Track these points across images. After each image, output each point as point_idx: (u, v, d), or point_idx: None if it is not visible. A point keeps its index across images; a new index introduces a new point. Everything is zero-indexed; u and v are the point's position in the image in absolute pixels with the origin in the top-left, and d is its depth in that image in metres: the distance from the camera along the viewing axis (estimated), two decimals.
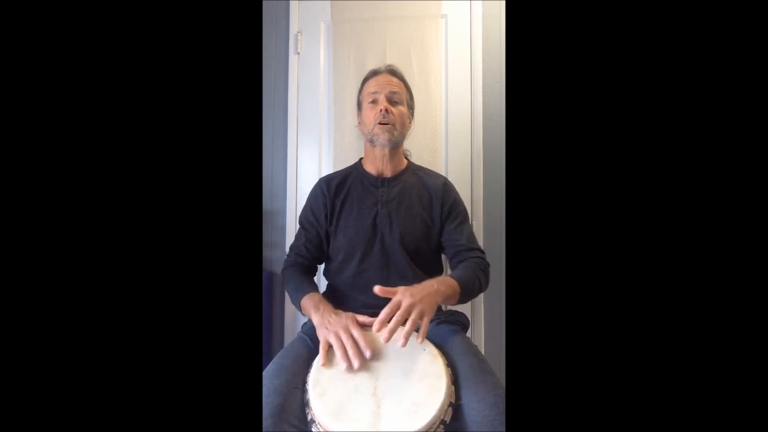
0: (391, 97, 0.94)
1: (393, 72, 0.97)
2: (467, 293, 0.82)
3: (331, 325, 0.72)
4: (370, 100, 0.95)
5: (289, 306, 1.41)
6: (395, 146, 0.95)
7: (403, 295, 0.67)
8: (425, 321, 0.68)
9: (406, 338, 0.65)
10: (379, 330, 0.65)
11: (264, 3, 1.35)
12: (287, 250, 1.39)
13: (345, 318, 0.73)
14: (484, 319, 1.35)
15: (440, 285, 0.76)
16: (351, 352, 0.67)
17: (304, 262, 0.96)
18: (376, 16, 1.42)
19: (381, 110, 0.91)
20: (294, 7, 1.46)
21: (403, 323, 0.66)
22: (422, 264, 0.92)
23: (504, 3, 1.35)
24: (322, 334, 0.72)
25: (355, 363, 0.66)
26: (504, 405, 0.62)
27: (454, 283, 0.78)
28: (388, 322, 0.65)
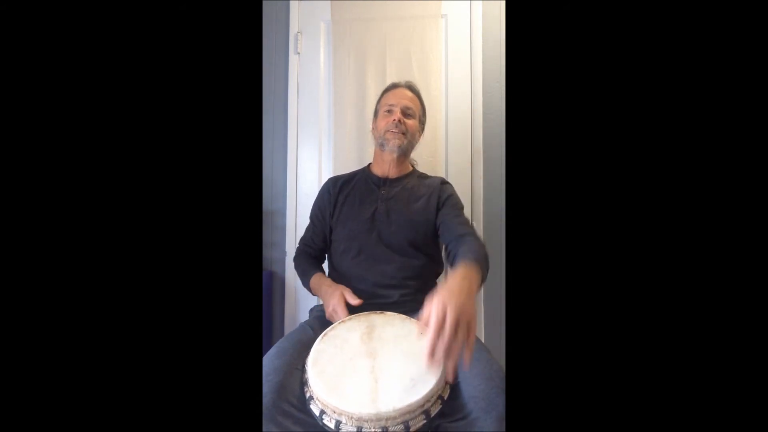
0: (405, 110, 1.02)
1: (411, 87, 1.07)
2: (486, 268, 0.77)
3: (329, 300, 0.87)
4: (386, 109, 1.04)
5: (289, 306, 1.42)
6: (403, 153, 1.02)
7: (447, 307, 0.56)
8: (471, 337, 0.58)
9: (468, 361, 0.58)
10: (430, 363, 0.55)
11: (264, 3, 1.35)
12: (287, 250, 1.41)
13: (337, 295, 0.86)
14: (484, 318, 1.35)
15: (469, 281, 0.66)
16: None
17: (311, 252, 1.07)
18: (376, 16, 1.42)
19: (395, 120, 1.00)
20: (294, 7, 1.46)
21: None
22: (418, 259, 0.95)
23: (504, 3, 1.35)
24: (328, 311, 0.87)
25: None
26: (500, 379, 0.65)
27: (475, 267, 0.70)
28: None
